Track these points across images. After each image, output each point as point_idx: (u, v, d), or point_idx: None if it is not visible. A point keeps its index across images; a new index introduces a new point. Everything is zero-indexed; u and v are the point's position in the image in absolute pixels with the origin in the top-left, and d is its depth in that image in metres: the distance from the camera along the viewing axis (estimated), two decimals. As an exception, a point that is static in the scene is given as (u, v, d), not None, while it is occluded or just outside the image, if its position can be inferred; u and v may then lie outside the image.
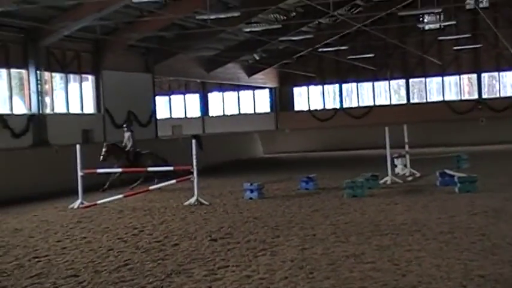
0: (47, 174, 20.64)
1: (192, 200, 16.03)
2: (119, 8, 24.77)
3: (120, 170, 18.89)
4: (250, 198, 16.60)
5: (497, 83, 44.67)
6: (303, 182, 18.28)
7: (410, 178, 19.56)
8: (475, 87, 44.78)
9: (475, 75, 44.68)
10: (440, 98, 45.43)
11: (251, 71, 43.94)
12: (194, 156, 15.94)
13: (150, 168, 18.71)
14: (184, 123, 45.16)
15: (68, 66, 26.50)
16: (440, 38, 41.90)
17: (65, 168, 18.91)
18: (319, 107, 47.69)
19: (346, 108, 46.86)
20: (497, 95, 44.38)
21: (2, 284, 8.49)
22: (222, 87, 47.45)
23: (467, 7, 40.84)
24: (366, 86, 47.23)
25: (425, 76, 45.58)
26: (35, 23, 23.58)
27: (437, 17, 41.92)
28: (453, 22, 37.72)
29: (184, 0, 27.80)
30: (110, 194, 17.87)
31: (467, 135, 39.14)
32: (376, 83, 46.69)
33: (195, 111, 48.39)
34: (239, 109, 48.53)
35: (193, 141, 16.24)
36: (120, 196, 17.04)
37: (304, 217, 13.16)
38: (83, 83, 27.80)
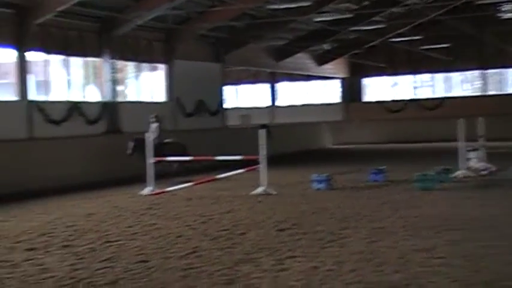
0: (119, 161, 21.07)
1: (260, 190, 16.05)
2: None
3: (189, 158, 19.06)
4: (318, 189, 16.51)
5: None
6: (373, 173, 18.06)
7: (484, 172, 18.99)
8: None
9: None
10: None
11: (321, 61, 43.64)
12: (262, 146, 15.97)
13: (218, 157, 18.82)
14: (252, 113, 45.29)
15: (141, 55, 26.94)
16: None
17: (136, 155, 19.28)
18: (390, 98, 46.99)
19: (418, 99, 45.97)
20: None
21: (76, 266, 8.72)
22: (291, 77, 47.31)
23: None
24: (439, 77, 46.22)
25: (504, 67, 44.22)
26: (110, 13, 24.06)
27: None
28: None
29: (256, -11, 27.82)
30: (179, 182, 18.08)
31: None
32: (450, 74, 45.62)
33: (263, 101, 48.46)
34: (308, 99, 48.31)
35: (262, 131, 16.26)
36: (189, 184, 17.25)
37: (372, 209, 13.00)
38: (155, 72, 28.22)
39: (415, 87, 46.78)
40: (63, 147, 20.35)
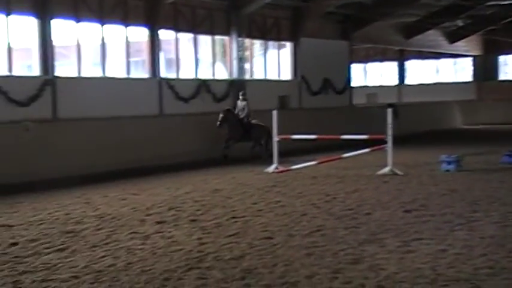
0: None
1: (386, 170, 15.80)
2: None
3: (314, 136, 18.98)
4: (447, 171, 16.02)
5: None
6: (506, 156, 17.27)
7: None
8: None
9: None
10: None
11: (453, 38, 42.06)
12: (389, 126, 15.68)
13: (344, 136, 18.62)
14: (379, 92, 44.48)
15: (268, 34, 27.07)
16: None
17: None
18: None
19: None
20: None
21: (203, 240, 8.94)
22: (421, 55, 45.97)
23: None
24: None
25: None
26: (238, -8, 24.34)
27: None
28: None
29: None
30: (303, 160, 18.10)
31: None
32: None
33: (391, 80, 47.46)
34: (438, 78, 46.82)
35: (389, 110, 15.97)
36: (314, 162, 17.23)
37: (506, 193, 12.44)
38: (281, 50, 28.29)
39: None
40: (191, 124, 20.90)
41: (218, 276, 7.17)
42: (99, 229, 9.90)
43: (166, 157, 19.03)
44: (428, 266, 7.31)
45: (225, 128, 19.91)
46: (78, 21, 19.42)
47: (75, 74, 19.56)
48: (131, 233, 9.57)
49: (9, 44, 17.66)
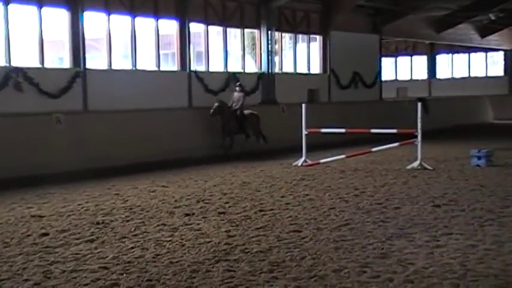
0: (273, 131, 21.35)
1: (415, 164, 15.70)
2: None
3: (343, 130, 18.91)
4: (477, 166, 15.85)
5: None
6: (538, 151, 17.03)
7: None
8: None
9: None
10: None
11: (485, 32, 41.52)
12: (419, 120, 15.57)
13: (373, 130, 18.53)
14: (409, 86, 44.11)
15: (297, 27, 26.99)
16: None
17: (290, 127, 19.45)
18: None
19: None
20: None
21: (231, 233, 8.97)
22: (451, 49, 45.48)
23: None
24: None
25: None
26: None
27: None
28: None
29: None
30: (332, 154, 18.05)
31: None
32: None
33: (421, 74, 47.04)
34: (469, 72, 46.28)
35: (419, 104, 15.85)
36: (343, 156, 17.17)
37: (537, 189, 12.27)
38: (311, 43, 28.19)
39: None
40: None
41: (246, 268, 7.19)
42: (128, 221, 9.98)
43: (194, 149, 19.10)
44: (457, 261, 7.25)
45: (217, 119, 19.45)
46: (109, 13, 19.57)
47: (105, 67, 19.72)
48: (160, 224, 9.64)
49: (41, 36, 17.85)
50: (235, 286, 6.61)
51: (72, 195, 12.62)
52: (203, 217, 10.15)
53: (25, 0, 17.64)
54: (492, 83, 44.39)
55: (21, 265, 7.51)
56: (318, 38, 28.13)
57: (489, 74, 45.66)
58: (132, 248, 8.24)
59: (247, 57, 25.07)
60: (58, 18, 18.52)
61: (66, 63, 18.81)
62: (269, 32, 24.49)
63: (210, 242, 8.44)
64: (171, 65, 22.40)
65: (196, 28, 22.82)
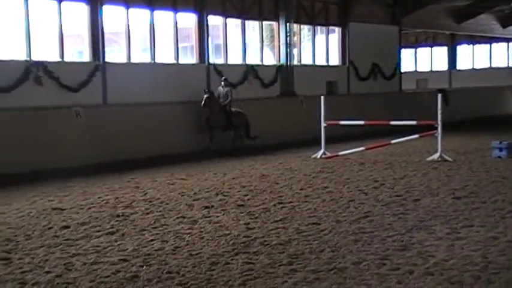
0: (292, 123, 21.31)
1: (435, 156, 15.60)
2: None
3: (362, 122, 18.82)
4: (499, 157, 15.72)
5: None
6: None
7: None
8: None
9: None
10: None
11: (506, 22, 41.07)
12: (439, 111, 15.46)
13: (392, 122, 18.41)
14: (430, 77, 43.78)
15: (316, 19, 26.87)
16: None
17: (309, 119, 19.41)
18: None
19: None
20: None
21: (250, 225, 8.98)
22: (472, 40, 45.06)
23: None
24: None
25: None
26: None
27: None
28: None
29: None
30: (351, 146, 17.98)
31: None
32: None
33: (441, 65, 46.67)
34: (490, 63, 45.83)
35: (439, 95, 15.74)
36: (362, 148, 17.10)
37: (559, 180, 12.14)
38: (330, 35, 28.06)
39: None
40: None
41: (265, 261, 7.19)
42: (147, 213, 10.03)
43: (213, 142, 19.11)
44: (478, 254, 7.20)
45: (207, 111, 19.01)
46: (127, 7, 19.60)
47: (124, 60, 19.78)
48: (179, 217, 9.68)
49: (61, 30, 17.94)
50: (254, 278, 6.61)
51: (92, 188, 12.70)
52: (222, 210, 10.17)
53: (45, -6, 17.73)
54: (514, 73, 43.92)
55: (43, 257, 7.58)
56: (337, 29, 27.99)
57: (510, 65, 45.18)
58: (151, 240, 8.28)
59: (266, 49, 25.00)
60: (78, 12, 18.57)
61: (86, 57, 18.89)
62: (287, 24, 24.39)
63: (229, 234, 8.46)
64: (189, 58, 22.39)
65: (214, 21, 22.80)
